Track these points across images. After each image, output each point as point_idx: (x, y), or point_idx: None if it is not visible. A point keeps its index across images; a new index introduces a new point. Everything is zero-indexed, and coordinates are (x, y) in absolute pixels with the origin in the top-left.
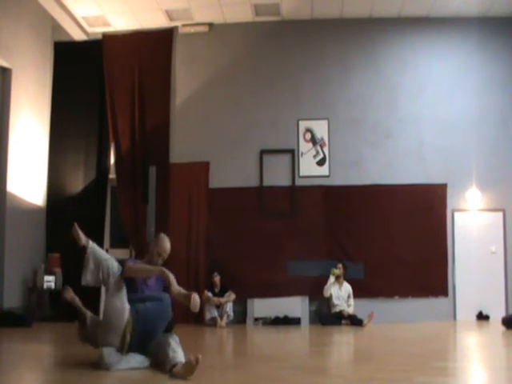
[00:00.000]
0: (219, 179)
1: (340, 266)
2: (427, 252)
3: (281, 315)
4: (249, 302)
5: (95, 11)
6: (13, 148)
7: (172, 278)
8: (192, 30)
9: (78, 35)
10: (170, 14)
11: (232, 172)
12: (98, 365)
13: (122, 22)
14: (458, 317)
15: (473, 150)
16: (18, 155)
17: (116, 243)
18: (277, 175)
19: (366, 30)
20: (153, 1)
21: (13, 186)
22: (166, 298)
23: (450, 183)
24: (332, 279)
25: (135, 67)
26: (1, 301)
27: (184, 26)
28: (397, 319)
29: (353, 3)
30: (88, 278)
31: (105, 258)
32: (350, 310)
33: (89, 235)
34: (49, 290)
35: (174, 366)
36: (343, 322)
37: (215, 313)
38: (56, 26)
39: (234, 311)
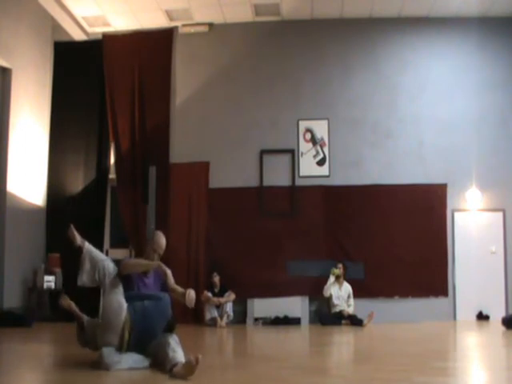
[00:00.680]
0: (219, 179)
1: (340, 265)
2: (427, 252)
3: (281, 315)
4: (249, 301)
5: (95, 11)
6: (13, 148)
7: (169, 272)
8: (192, 29)
9: (77, 35)
10: (170, 14)
11: (232, 172)
12: (98, 365)
13: (121, 21)
14: (458, 317)
15: (473, 150)
16: (18, 155)
17: (116, 243)
18: (277, 175)
19: (366, 30)
20: (153, 1)
21: (13, 186)
22: (166, 298)
23: (450, 183)
24: (332, 279)
25: (135, 67)
26: (1, 301)
27: (184, 25)
28: (397, 319)
29: (353, 3)
30: (84, 279)
31: (101, 258)
32: (350, 310)
33: (89, 235)
34: (49, 289)
35: (174, 366)
36: (343, 321)
37: (215, 313)
38: (56, 26)
39: (234, 311)
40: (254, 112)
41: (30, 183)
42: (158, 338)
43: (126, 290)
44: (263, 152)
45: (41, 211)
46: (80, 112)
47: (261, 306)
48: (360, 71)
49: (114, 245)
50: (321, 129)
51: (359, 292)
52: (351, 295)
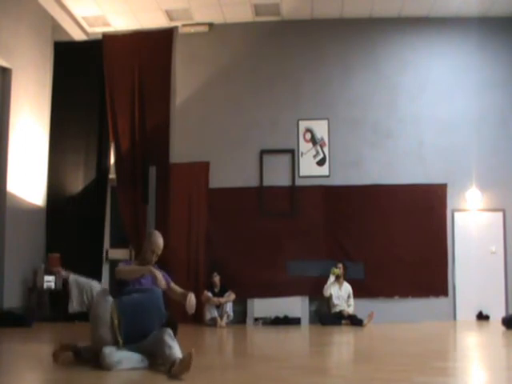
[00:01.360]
0: (219, 179)
1: (340, 265)
2: (427, 252)
3: (281, 315)
4: (249, 301)
5: (95, 11)
6: (13, 148)
7: (160, 276)
8: (192, 29)
9: (77, 35)
10: (170, 14)
11: (232, 172)
12: (99, 365)
13: (122, 21)
14: (458, 317)
15: (473, 150)
16: (18, 155)
17: (116, 243)
18: (277, 175)
19: (366, 30)
20: (153, 1)
21: (13, 186)
22: (156, 290)
23: (450, 183)
24: (332, 278)
25: (135, 67)
26: (1, 301)
27: (184, 25)
28: (397, 319)
29: (353, 3)
30: (74, 305)
31: (86, 281)
32: (350, 310)
33: (89, 235)
34: (49, 289)
35: (173, 365)
36: (343, 321)
37: (215, 313)
38: (56, 26)
39: (234, 311)
40: (254, 112)
41: (30, 183)
42: (153, 334)
43: (121, 288)
44: (263, 152)
45: (41, 211)
46: (80, 112)
47: (261, 306)
48: (360, 71)
49: (113, 245)
50: (321, 129)
51: (359, 292)
52: (351, 295)
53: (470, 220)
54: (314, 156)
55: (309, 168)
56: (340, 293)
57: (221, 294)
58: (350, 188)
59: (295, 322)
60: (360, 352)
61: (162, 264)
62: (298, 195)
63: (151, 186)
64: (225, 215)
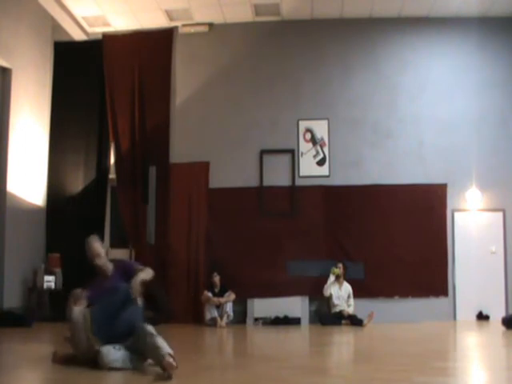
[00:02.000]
0: (219, 179)
1: (340, 265)
2: (427, 252)
3: (281, 315)
4: (249, 301)
5: (95, 11)
6: (13, 148)
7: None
8: (192, 29)
9: (77, 35)
10: (170, 14)
11: (232, 172)
12: (97, 364)
13: (122, 21)
14: (458, 317)
15: (473, 150)
16: (18, 155)
17: (116, 243)
18: (277, 175)
19: (366, 30)
20: (153, 1)
21: (13, 186)
22: (121, 287)
23: (450, 183)
24: (332, 278)
25: (135, 67)
26: (1, 301)
27: (184, 25)
28: (397, 319)
29: (353, 3)
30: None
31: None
32: (350, 310)
33: (89, 235)
34: (49, 289)
35: (163, 360)
36: (343, 321)
37: (215, 313)
38: (56, 26)
39: (234, 311)
40: (254, 112)
41: (30, 183)
42: (137, 336)
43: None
44: (263, 152)
45: (41, 211)
46: (80, 112)
47: (261, 306)
48: (360, 71)
49: (114, 245)
50: (321, 129)
51: (359, 292)
52: (351, 295)
53: (470, 220)
54: (314, 156)
55: (309, 168)
56: (340, 293)
57: (221, 294)
58: (350, 188)
59: (295, 322)
60: (360, 352)
61: (163, 264)
62: (298, 195)
63: (151, 186)
64: (225, 215)
